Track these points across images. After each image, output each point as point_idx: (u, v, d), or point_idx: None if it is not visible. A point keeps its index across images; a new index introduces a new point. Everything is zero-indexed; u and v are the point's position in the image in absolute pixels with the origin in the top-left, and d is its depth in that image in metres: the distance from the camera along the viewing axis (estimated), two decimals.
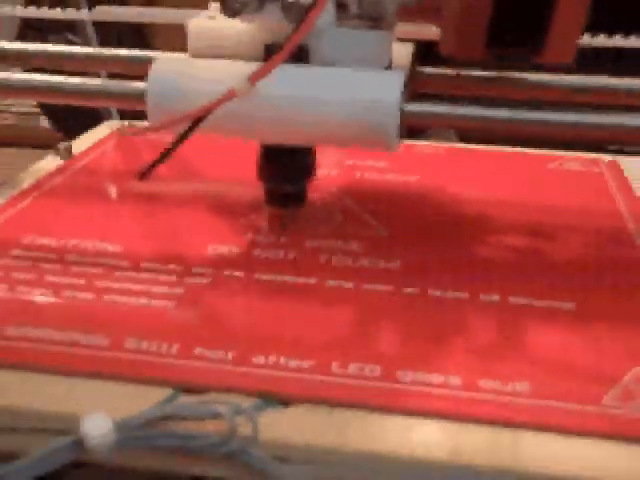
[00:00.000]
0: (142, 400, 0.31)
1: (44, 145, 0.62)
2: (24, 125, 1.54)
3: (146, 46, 1.71)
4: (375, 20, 0.43)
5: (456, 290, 0.39)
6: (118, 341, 0.34)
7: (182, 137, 0.40)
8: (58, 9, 0.67)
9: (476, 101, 0.44)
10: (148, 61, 0.42)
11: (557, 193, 0.51)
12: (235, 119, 0.38)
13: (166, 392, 0.31)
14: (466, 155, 0.58)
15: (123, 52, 0.50)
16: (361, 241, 0.44)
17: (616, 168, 0.56)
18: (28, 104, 1.54)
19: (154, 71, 0.40)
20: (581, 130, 0.41)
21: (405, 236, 0.45)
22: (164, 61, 0.40)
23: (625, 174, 0.55)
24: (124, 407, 0.30)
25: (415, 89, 0.47)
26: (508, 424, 0.30)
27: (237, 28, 0.41)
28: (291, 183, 0.45)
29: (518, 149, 0.59)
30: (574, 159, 0.57)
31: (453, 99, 0.44)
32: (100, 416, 0.28)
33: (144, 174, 0.44)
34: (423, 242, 0.44)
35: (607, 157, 0.58)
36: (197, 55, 0.42)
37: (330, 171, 0.54)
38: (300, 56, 0.40)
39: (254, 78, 0.37)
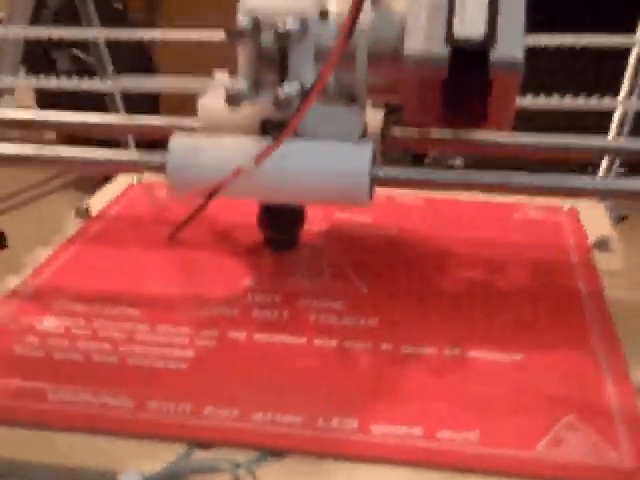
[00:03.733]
0: (165, 453, 0.38)
1: None
2: None
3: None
4: (350, 99, 0.51)
5: (424, 345, 0.46)
6: (143, 403, 0.41)
7: (201, 208, 0.50)
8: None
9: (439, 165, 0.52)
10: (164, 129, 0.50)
11: (519, 244, 0.58)
12: (239, 187, 0.46)
13: (183, 447, 0.38)
14: (442, 205, 0.65)
15: (144, 120, 0.58)
16: (344, 299, 0.51)
17: (574, 216, 0.63)
18: None
19: (173, 146, 0.47)
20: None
21: (383, 292, 0.52)
22: (181, 137, 0.47)
23: (581, 219, 0.62)
24: (149, 462, 0.37)
25: (386, 147, 0.55)
26: (461, 468, 0.37)
27: (240, 108, 0.48)
28: (283, 231, 0.54)
29: (490, 198, 0.65)
30: (537, 208, 0.64)
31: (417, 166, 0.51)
32: (133, 473, 0.35)
33: (172, 237, 0.55)
34: (398, 297, 0.51)
35: (567, 204, 0.64)
36: (206, 126, 0.49)
37: (320, 224, 0.61)
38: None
39: (259, 159, 0.45)
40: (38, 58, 1.71)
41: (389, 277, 0.54)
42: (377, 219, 0.62)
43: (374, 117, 0.53)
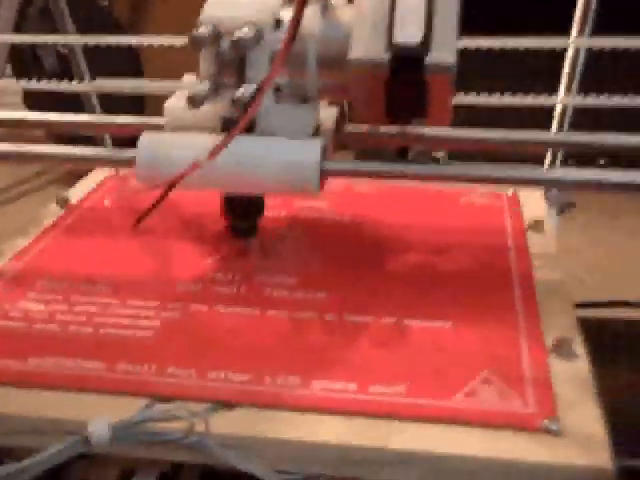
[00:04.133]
0: (130, 407, 0.43)
1: None
2: None
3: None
4: (303, 98, 0.57)
5: (364, 315, 0.51)
6: (113, 366, 0.47)
7: (160, 199, 0.56)
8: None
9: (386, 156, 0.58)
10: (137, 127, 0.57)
11: (461, 227, 0.64)
12: (199, 179, 0.52)
13: (147, 402, 0.44)
14: (396, 193, 0.71)
15: (117, 119, 0.64)
16: (297, 276, 0.57)
17: (514, 201, 0.68)
18: None
19: (142, 143, 0.53)
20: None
21: (333, 270, 0.57)
22: (149, 135, 0.54)
23: (521, 206, 0.68)
24: (118, 413, 0.42)
25: (339, 143, 0.61)
26: (389, 416, 0.43)
27: (202, 108, 0.53)
28: (244, 219, 0.60)
29: (439, 186, 0.71)
30: (481, 194, 0.70)
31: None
32: (101, 420, 0.41)
33: (137, 224, 0.61)
34: (346, 274, 0.57)
35: (510, 190, 0.70)
36: (173, 126, 0.56)
37: (280, 211, 0.67)
38: (248, 127, 0.53)
39: (212, 154, 0.51)
40: (24, 56, 1.76)
41: (340, 256, 0.60)
42: (333, 205, 0.67)
43: (328, 115, 0.59)
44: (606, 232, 1.31)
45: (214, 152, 0.51)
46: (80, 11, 1.80)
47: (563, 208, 0.77)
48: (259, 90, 0.50)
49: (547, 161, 0.77)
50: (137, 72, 1.81)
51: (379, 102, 0.53)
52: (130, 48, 1.81)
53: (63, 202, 0.70)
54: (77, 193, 0.72)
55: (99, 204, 0.70)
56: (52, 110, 0.65)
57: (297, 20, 0.50)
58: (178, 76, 0.60)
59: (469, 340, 0.49)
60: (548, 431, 0.41)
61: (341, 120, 0.61)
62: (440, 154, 1.92)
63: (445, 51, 0.51)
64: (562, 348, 0.48)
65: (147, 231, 0.63)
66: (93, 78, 0.76)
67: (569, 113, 0.74)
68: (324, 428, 0.42)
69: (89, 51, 0.79)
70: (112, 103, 0.80)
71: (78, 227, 0.65)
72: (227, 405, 0.44)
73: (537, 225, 0.64)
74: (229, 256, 0.60)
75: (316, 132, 0.56)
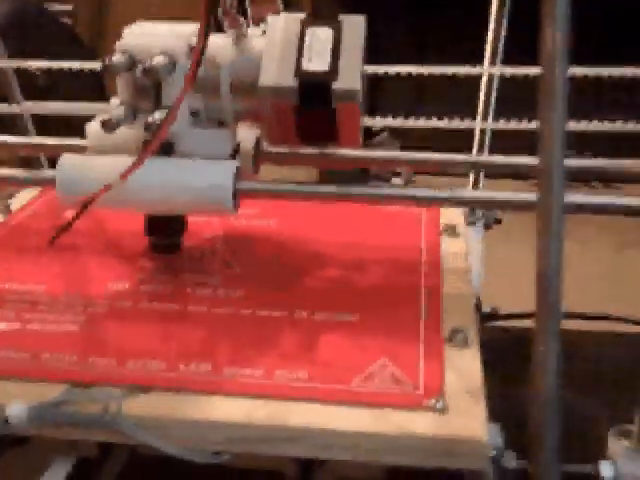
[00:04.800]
0: (53, 392, 0.46)
1: None
2: None
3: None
4: (220, 122, 0.60)
5: (276, 310, 0.55)
6: (37, 355, 0.50)
7: (76, 216, 0.58)
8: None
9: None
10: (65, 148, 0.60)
11: (380, 231, 0.68)
12: (116, 200, 0.55)
13: (67, 388, 0.47)
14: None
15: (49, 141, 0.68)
16: (219, 276, 0.60)
17: (434, 209, 0.73)
18: None
19: (61, 165, 0.57)
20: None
21: (253, 271, 0.61)
22: (68, 158, 0.57)
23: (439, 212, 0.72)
24: (38, 399, 0.46)
25: (260, 163, 0.64)
26: (291, 399, 0.47)
27: (121, 131, 0.56)
28: (167, 237, 0.64)
29: None
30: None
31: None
32: (18, 403, 0.44)
33: (56, 237, 0.63)
34: (265, 275, 0.61)
35: None
36: (94, 148, 0.59)
37: (210, 218, 0.70)
38: (167, 150, 0.57)
39: (123, 175, 0.54)
40: None
41: (260, 260, 0.64)
42: (261, 214, 0.71)
43: (248, 136, 0.63)
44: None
45: (125, 174, 0.53)
46: (44, 29, 1.84)
47: (489, 224, 0.81)
48: (167, 114, 0.53)
49: (470, 181, 0.81)
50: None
51: (290, 127, 0.57)
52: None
53: (5, 210, 0.73)
54: (22, 199, 0.75)
55: (27, 221, 0.72)
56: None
57: (202, 48, 0.53)
58: None
59: (373, 332, 0.53)
60: (433, 409, 0.45)
61: (259, 142, 0.64)
62: (403, 168, 1.98)
63: (350, 79, 0.55)
64: (456, 338, 0.52)
65: (71, 248, 0.66)
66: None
67: (488, 136, 0.78)
68: (231, 410, 0.46)
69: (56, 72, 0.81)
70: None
71: (6, 242, 0.68)
72: (142, 390, 0.47)
73: (451, 229, 0.69)
74: (155, 262, 0.63)
75: (234, 154, 0.59)
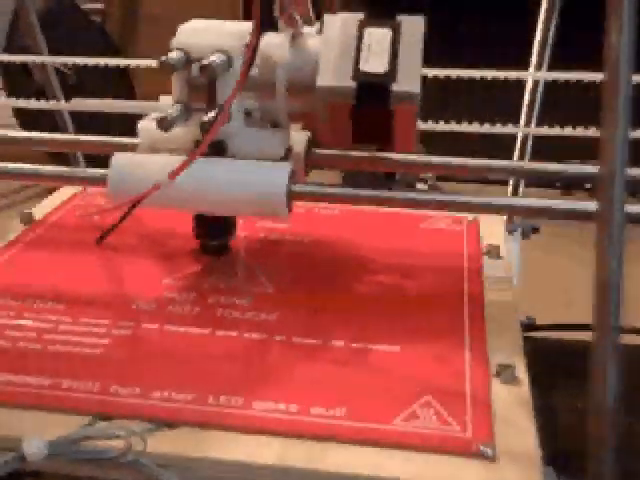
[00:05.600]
0: (73, 424, 0.43)
1: None
2: None
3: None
4: (273, 123, 0.58)
5: (311, 338, 0.52)
6: (57, 382, 0.47)
7: (123, 217, 0.59)
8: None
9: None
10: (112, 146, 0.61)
11: (419, 251, 0.65)
12: (166, 199, 0.54)
13: (89, 419, 0.44)
14: (356, 215, 0.71)
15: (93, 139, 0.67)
16: (250, 297, 0.57)
17: (474, 226, 0.69)
18: None
19: (114, 163, 0.55)
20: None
21: (286, 292, 0.58)
22: (121, 156, 0.56)
23: (481, 231, 0.68)
24: (57, 431, 0.42)
25: (311, 165, 0.62)
26: (329, 438, 0.43)
27: (174, 130, 0.54)
28: (215, 239, 0.62)
29: (399, 210, 0.71)
30: (441, 219, 0.70)
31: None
32: (36, 439, 0.41)
33: (101, 239, 0.63)
34: (298, 295, 0.57)
35: (470, 216, 0.71)
36: (146, 147, 0.57)
37: (242, 231, 0.67)
38: (220, 149, 0.55)
39: (172, 175, 0.52)
40: (15, 70, 1.76)
41: (295, 279, 0.60)
42: (295, 228, 0.68)
43: (299, 139, 0.61)
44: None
45: (174, 173, 0.52)
46: (76, 27, 1.82)
47: (527, 233, 0.78)
48: (219, 113, 0.51)
49: (510, 189, 0.78)
50: (129, 91, 1.82)
51: (345, 129, 0.55)
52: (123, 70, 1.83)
53: (27, 219, 0.70)
54: (43, 210, 0.73)
55: (64, 221, 0.70)
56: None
57: (254, 46, 0.52)
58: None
59: (415, 364, 0.49)
60: (483, 456, 0.41)
61: (310, 145, 0.62)
62: (428, 175, 1.94)
63: (409, 81, 0.53)
64: (505, 373, 0.48)
65: (112, 248, 0.63)
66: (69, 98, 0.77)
67: (530, 143, 0.75)
68: (262, 449, 0.42)
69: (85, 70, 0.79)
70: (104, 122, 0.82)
71: (40, 243, 0.65)
72: (168, 424, 0.44)
73: (493, 250, 0.65)
74: (187, 275, 0.60)
75: (286, 156, 0.58)
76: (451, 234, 0.68)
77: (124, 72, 1.80)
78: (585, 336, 0.46)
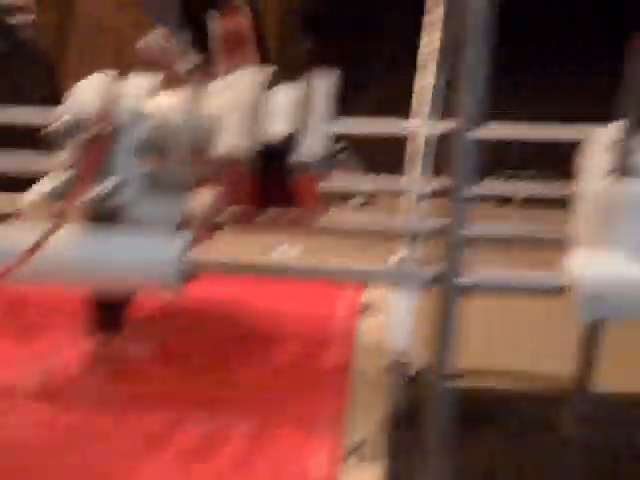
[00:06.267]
0: None
1: None
2: None
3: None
4: (174, 187, 0.55)
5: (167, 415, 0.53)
6: None
7: None
8: None
9: None
10: None
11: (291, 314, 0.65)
12: (55, 276, 0.51)
13: None
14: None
15: None
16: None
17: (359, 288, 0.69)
18: None
19: None
20: None
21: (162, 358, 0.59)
22: None
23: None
24: None
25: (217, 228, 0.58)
26: None
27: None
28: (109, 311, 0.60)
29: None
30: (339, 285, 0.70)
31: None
32: None
33: None
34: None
35: None
36: (29, 216, 0.54)
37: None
38: (113, 216, 0.53)
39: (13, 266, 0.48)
40: None
41: (176, 342, 0.62)
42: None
43: (203, 200, 0.57)
44: None
45: (14, 266, 0.48)
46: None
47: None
48: (78, 178, 0.51)
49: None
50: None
51: (247, 193, 0.55)
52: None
53: None
54: None
55: None
56: None
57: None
58: None
59: (257, 456, 0.50)
60: None
61: (214, 206, 0.60)
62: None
63: (311, 147, 0.53)
64: (359, 451, 0.49)
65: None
66: None
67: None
68: None
69: None
70: None
71: None
72: None
73: (370, 309, 0.66)
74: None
75: (187, 220, 0.56)
76: (327, 294, 0.68)
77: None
78: None
